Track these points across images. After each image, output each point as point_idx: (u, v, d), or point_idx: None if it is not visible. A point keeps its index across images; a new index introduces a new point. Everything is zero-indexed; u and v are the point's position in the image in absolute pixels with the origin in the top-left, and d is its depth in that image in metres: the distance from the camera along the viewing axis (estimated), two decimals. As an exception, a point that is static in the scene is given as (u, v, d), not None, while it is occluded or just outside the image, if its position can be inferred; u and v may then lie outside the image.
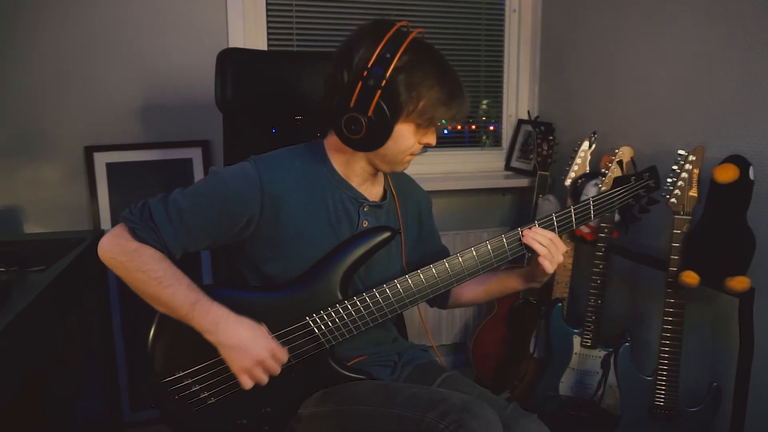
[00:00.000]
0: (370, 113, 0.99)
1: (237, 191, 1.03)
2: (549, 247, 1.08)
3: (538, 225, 1.09)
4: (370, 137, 1.01)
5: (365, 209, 1.14)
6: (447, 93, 1.03)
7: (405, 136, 1.05)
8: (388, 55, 0.98)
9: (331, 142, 1.12)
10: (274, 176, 1.05)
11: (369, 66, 0.98)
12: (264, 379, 1.01)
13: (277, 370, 1.02)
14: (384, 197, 1.19)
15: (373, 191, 1.17)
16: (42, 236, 1.83)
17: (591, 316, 1.77)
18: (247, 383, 1.00)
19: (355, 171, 1.12)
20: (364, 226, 1.13)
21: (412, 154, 1.10)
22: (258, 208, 1.04)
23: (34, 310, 1.24)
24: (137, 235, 0.98)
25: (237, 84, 1.45)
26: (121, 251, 0.98)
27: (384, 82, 0.98)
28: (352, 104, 1.00)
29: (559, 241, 1.09)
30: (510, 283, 1.22)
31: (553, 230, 1.10)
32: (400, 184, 1.25)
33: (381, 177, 1.21)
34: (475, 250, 1.07)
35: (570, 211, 1.11)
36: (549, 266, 1.09)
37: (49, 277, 1.39)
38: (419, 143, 1.08)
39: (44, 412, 1.43)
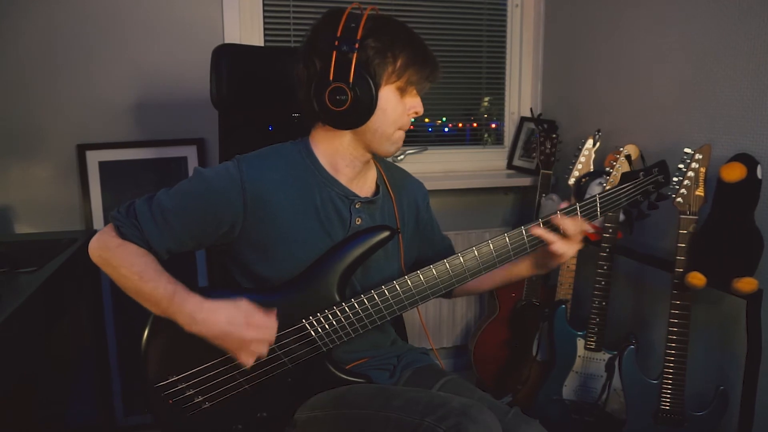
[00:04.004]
0: (351, 79, 1.00)
1: (218, 191, 1.03)
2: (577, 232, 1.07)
3: (542, 223, 1.07)
4: (357, 107, 1.02)
5: (357, 206, 1.11)
6: (419, 51, 1.04)
7: (390, 102, 1.05)
8: (353, 25, 1.01)
9: (317, 136, 1.11)
10: (256, 175, 1.04)
11: (338, 36, 1.00)
12: (259, 351, 0.98)
13: (264, 348, 0.98)
14: (377, 192, 1.17)
15: (364, 187, 1.15)
16: (33, 236, 1.82)
17: (595, 318, 1.75)
18: (246, 361, 0.98)
19: (345, 162, 1.10)
20: (357, 223, 1.11)
21: (401, 129, 1.09)
22: (241, 208, 1.03)
23: (24, 313, 1.23)
24: (122, 233, 1.00)
25: (233, 81, 1.44)
26: (106, 248, 1.00)
27: (357, 45, 1.00)
28: (331, 77, 1.01)
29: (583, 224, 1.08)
30: (516, 269, 1.21)
31: (557, 231, 1.07)
32: (394, 178, 1.23)
33: (373, 171, 1.18)
34: (476, 249, 1.05)
35: (575, 209, 1.08)
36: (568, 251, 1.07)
37: (40, 279, 1.38)
38: (407, 114, 1.08)
39: (35, 416, 1.41)
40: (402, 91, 1.05)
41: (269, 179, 1.05)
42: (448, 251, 1.34)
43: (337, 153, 1.10)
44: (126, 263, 0.98)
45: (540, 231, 1.06)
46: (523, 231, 1.06)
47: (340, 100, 1.01)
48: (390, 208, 1.18)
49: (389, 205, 1.18)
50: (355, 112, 1.02)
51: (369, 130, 1.06)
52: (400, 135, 1.10)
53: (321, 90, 1.02)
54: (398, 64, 1.03)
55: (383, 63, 1.02)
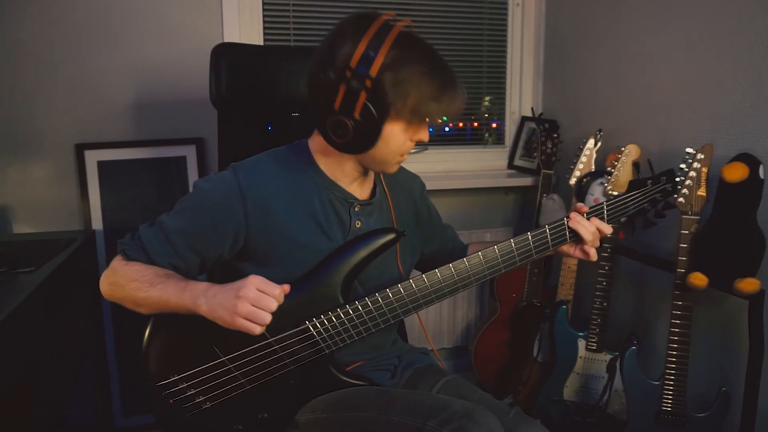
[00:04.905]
0: (356, 115, 0.95)
1: (217, 203, 1.02)
2: (594, 235, 1.08)
3: (549, 230, 1.07)
4: (358, 140, 0.98)
5: (356, 209, 1.11)
6: (437, 87, 0.97)
7: (395, 135, 1.01)
8: (372, 53, 0.93)
9: (317, 143, 1.09)
10: (255, 182, 1.03)
11: (352, 65, 0.93)
12: (245, 310, 0.90)
13: (247, 307, 0.90)
14: (373, 194, 1.16)
15: (363, 189, 1.14)
16: (31, 236, 1.81)
17: (596, 318, 1.74)
18: (250, 328, 0.91)
19: (344, 172, 1.09)
20: (357, 227, 1.10)
21: (403, 154, 1.06)
22: (242, 217, 1.02)
23: (22, 313, 1.22)
24: (128, 255, 1.03)
25: (232, 80, 1.43)
26: (114, 272, 1.02)
27: (368, 82, 0.93)
28: (336, 107, 0.96)
29: (606, 227, 1.09)
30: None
31: (564, 237, 1.08)
32: (390, 177, 1.20)
33: (371, 173, 1.17)
34: (482, 254, 1.04)
35: (582, 217, 1.08)
36: (594, 254, 1.09)
37: (38, 279, 1.37)
38: (411, 141, 1.05)
39: (33, 418, 1.40)
40: (410, 124, 1.01)
41: (268, 185, 1.04)
42: (453, 240, 1.34)
43: (335, 163, 1.08)
44: (135, 276, 0.99)
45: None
46: (529, 236, 1.06)
47: (341, 133, 0.98)
48: (387, 210, 1.18)
49: (386, 206, 1.18)
50: (355, 144, 0.99)
51: (368, 155, 1.04)
52: (401, 159, 1.08)
53: (324, 116, 0.98)
54: (412, 102, 0.96)
55: (395, 101, 0.96)
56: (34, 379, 1.41)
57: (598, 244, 1.09)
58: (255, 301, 0.90)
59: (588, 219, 1.08)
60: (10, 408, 1.22)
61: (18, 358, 1.26)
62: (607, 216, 1.10)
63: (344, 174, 1.09)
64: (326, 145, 1.04)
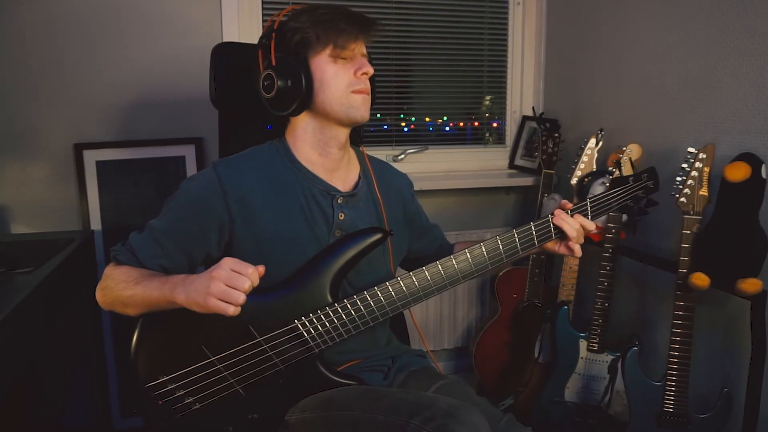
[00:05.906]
0: (273, 62, 1.05)
1: (200, 199, 1.05)
2: (578, 232, 1.09)
3: (534, 228, 1.08)
4: (290, 88, 1.03)
5: (339, 201, 1.11)
6: (338, 15, 1.05)
7: (327, 71, 1.05)
8: (274, 20, 1.07)
9: (287, 132, 1.13)
10: (235, 178, 1.05)
11: (262, 36, 1.09)
12: (227, 295, 0.88)
13: (218, 285, 0.88)
14: (357, 184, 1.16)
15: (346, 181, 1.15)
16: (30, 236, 1.82)
17: (598, 319, 1.73)
18: (223, 308, 0.88)
19: (317, 150, 1.10)
20: (340, 219, 1.11)
21: (357, 92, 1.07)
22: (225, 212, 1.04)
23: (21, 313, 1.22)
24: (118, 260, 1.06)
25: (232, 79, 1.42)
26: (105, 277, 1.05)
27: (273, 34, 1.05)
28: (261, 69, 1.07)
29: (589, 224, 1.10)
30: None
31: (549, 234, 1.09)
32: (377, 172, 1.21)
33: (355, 166, 1.18)
34: (469, 252, 1.05)
35: (566, 214, 1.10)
36: (578, 250, 1.10)
37: (37, 279, 1.37)
38: (355, 75, 1.07)
39: (31, 418, 1.40)
40: (336, 57, 1.05)
41: (248, 180, 1.06)
42: (440, 239, 1.35)
43: (305, 142, 1.10)
44: (123, 278, 1.00)
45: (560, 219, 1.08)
46: (515, 234, 1.07)
47: (269, 85, 1.04)
48: (376, 203, 1.17)
49: (374, 200, 1.18)
50: (291, 93, 1.04)
51: (319, 104, 1.06)
52: (358, 98, 1.07)
53: (258, 85, 1.07)
54: (318, 33, 1.03)
55: (304, 38, 1.04)
56: (33, 380, 1.41)
57: (582, 240, 1.10)
58: (228, 281, 0.88)
59: (572, 216, 1.09)
60: (9, 408, 1.22)
61: (16, 358, 1.26)
62: (590, 213, 1.11)
63: (319, 158, 1.10)
64: (291, 129, 1.09)
